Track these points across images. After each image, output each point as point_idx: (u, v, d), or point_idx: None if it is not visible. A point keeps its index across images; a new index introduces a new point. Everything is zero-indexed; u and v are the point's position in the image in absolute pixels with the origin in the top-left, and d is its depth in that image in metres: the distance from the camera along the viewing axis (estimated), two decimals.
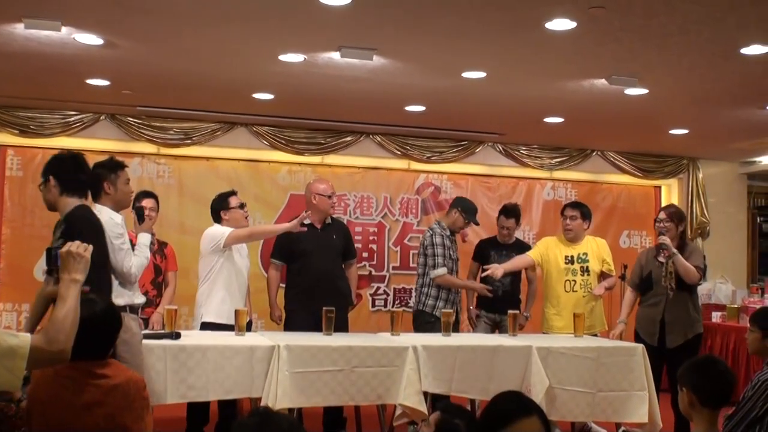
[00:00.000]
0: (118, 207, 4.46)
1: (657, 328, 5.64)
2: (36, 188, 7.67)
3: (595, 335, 6.03)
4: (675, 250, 5.57)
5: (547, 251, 6.20)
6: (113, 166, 4.50)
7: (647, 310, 5.77)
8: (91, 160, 7.58)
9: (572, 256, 6.13)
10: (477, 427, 2.26)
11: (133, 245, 4.51)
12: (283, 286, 6.04)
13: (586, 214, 6.25)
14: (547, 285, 6.22)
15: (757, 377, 3.59)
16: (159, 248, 5.94)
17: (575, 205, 6.37)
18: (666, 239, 5.61)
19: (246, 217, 5.78)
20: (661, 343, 5.58)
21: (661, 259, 5.66)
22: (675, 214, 5.76)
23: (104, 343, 3.08)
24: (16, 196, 7.75)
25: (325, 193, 5.88)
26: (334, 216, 6.24)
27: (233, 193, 5.80)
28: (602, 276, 6.19)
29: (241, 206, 5.71)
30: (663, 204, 9.32)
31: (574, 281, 6.08)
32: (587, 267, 6.10)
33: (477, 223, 6.51)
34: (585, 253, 6.14)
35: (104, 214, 4.34)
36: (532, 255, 6.25)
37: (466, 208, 6.27)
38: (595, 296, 6.10)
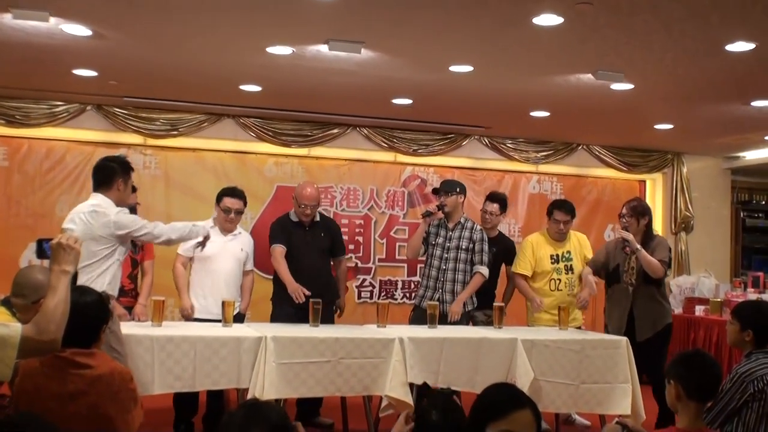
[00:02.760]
0: (117, 206, 4.52)
1: (625, 321, 5.69)
2: (22, 178, 7.74)
3: (579, 327, 6.07)
4: (638, 246, 5.60)
5: (533, 254, 6.14)
6: (128, 168, 4.61)
7: (615, 304, 5.81)
8: (77, 151, 7.74)
9: (557, 255, 6.14)
10: (469, 419, 2.24)
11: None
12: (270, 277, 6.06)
13: (575, 214, 6.27)
14: (532, 283, 6.18)
15: (735, 370, 3.64)
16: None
17: (566, 209, 6.20)
18: (628, 235, 5.65)
19: (230, 221, 5.68)
20: (630, 336, 5.54)
21: (627, 251, 5.71)
22: (636, 209, 5.79)
23: (91, 332, 3.12)
24: (2, 186, 7.73)
25: (306, 202, 5.74)
26: (323, 213, 6.13)
27: (225, 193, 5.74)
28: None
29: (226, 211, 5.65)
30: (648, 198, 9.41)
31: (559, 280, 6.10)
32: (571, 266, 6.12)
33: (435, 193, 6.14)
34: (569, 251, 6.16)
35: (112, 207, 4.46)
36: (524, 271, 6.13)
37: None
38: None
